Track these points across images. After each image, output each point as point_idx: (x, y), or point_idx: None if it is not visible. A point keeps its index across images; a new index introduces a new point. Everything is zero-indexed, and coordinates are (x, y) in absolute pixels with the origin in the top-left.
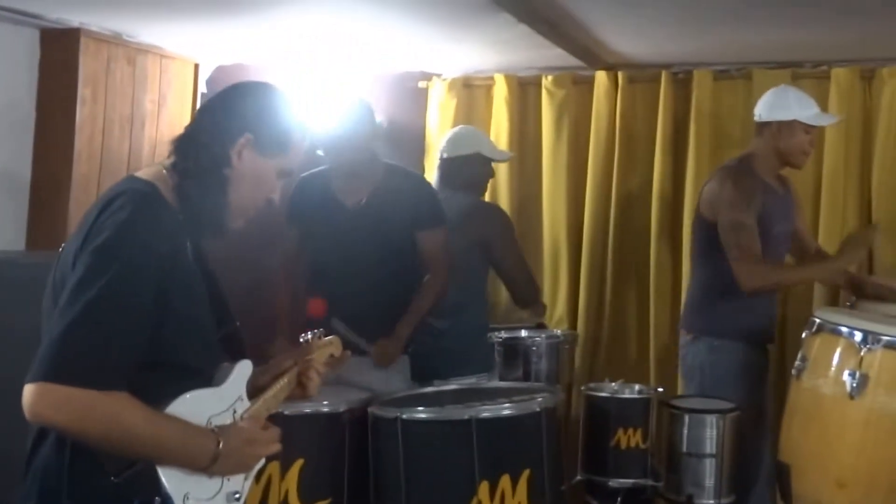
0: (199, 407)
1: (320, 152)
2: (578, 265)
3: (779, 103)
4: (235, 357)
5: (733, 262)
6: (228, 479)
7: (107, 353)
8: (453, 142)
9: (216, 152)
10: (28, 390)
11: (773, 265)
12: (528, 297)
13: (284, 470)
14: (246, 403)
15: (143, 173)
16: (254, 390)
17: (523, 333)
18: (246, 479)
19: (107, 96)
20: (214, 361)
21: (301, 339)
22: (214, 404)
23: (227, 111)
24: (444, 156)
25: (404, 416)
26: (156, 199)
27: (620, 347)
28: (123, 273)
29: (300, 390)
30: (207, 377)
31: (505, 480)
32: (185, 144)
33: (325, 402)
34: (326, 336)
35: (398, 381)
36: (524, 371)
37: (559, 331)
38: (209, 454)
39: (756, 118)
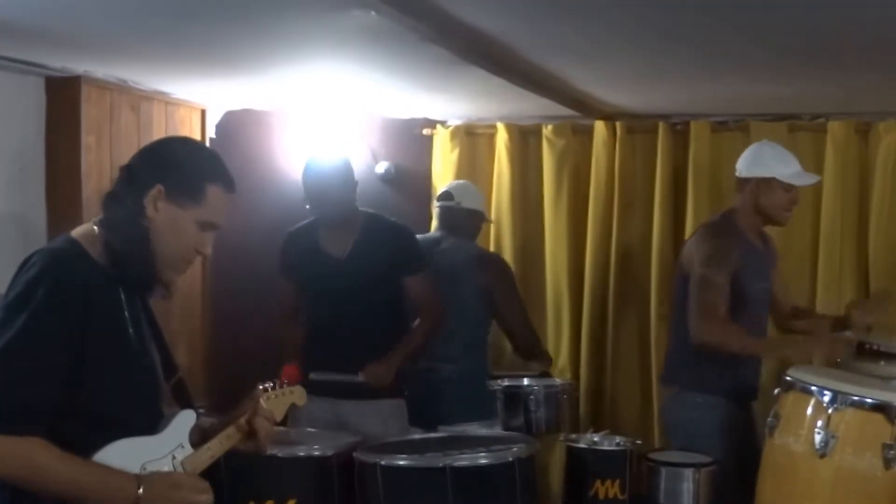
0: (131, 454)
1: (307, 206)
2: (580, 314)
3: (757, 160)
4: (183, 406)
5: (692, 316)
6: None
7: (18, 399)
8: (465, 194)
9: (130, 204)
10: None
11: (731, 328)
12: (528, 347)
13: None
14: (188, 450)
15: (76, 230)
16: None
17: (525, 382)
18: None
19: (111, 143)
20: (149, 412)
21: (260, 387)
22: (150, 451)
23: (142, 165)
24: (462, 205)
25: (383, 463)
26: (69, 255)
27: (623, 398)
28: (30, 326)
29: (252, 443)
30: (143, 427)
31: None
32: (106, 200)
33: (315, 447)
34: (290, 386)
35: (396, 426)
36: (525, 419)
37: (558, 380)
38: (129, 498)
39: (737, 174)
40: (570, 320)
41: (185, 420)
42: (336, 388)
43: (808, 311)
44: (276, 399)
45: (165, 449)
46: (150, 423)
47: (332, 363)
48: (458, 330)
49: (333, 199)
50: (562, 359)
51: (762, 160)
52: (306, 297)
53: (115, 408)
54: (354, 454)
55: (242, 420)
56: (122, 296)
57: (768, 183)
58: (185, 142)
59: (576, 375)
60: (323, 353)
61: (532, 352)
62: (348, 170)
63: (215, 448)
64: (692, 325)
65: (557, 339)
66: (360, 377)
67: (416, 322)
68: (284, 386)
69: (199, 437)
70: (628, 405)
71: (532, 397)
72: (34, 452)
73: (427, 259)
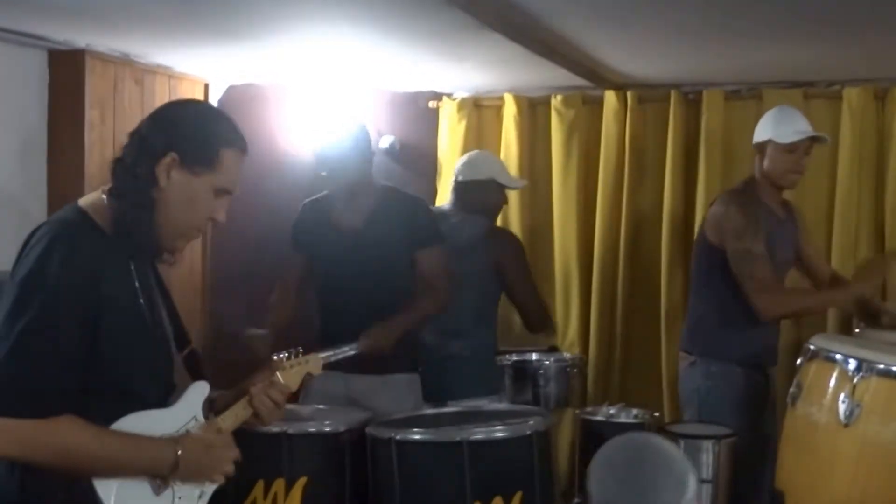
0: (144, 428)
1: (323, 173)
2: (589, 287)
3: (762, 124)
4: (195, 377)
5: (751, 294)
6: (180, 498)
7: (42, 381)
8: (469, 165)
9: (141, 173)
10: None
11: (792, 292)
12: (538, 321)
13: (289, 487)
14: (201, 423)
15: (83, 199)
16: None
17: (533, 357)
18: (199, 498)
19: (115, 118)
20: (162, 385)
21: (274, 357)
22: (164, 425)
23: (152, 131)
24: (460, 178)
25: (398, 438)
26: (77, 226)
27: (633, 371)
28: (47, 304)
29: (255, 419)
30: (156, 401)
31: (497, 502)
32: (115, 167)
33: (326, 423)
34: (305, 354)
35: (410, 402)
36: (533, 394)
37: (567, 354)
38: (169, 462)
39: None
40: (579, 293)
41: (198, 392)
42: (346, 363)
43: (846, 280)
44: (291, 370)
45: (179, 422)
46: (163, 396)
47: (344, 339)
48: (467, 305)
49: (349, 169)
50: (571, 332)
51: (764, 124)
52: (317, 270)
53: (128, 381)
54: (367, 430)
55: (255, 392)
56: (132, 266)
57: (767, 146)
58: (196, 105)
59: (585, 349)
60: (334, 329)
61: (542, 325)
62: (365, 140)
63: (230, 420)
64: (756, 305)
65: (566, 312)
66: (356, 347)
67: (420, 296)
68: (300, 355)
69: (208, 410)
70: (638, 378)
71: (541, 372)
72: (66, 432)
73: (441, 233)
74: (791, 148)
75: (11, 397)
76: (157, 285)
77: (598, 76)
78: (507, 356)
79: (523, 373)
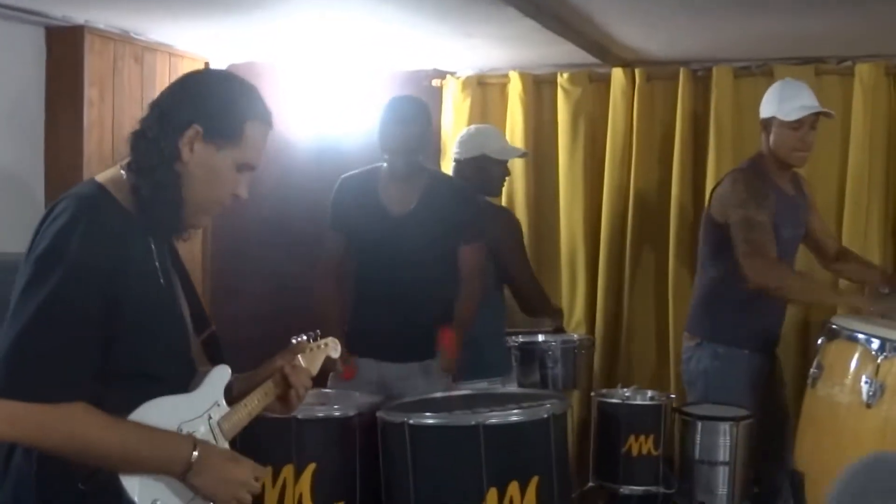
0: (166, 414)
1: (383, 153)
2: (596, 268)
3: (767, 100)
4: (214, 362)
5: (742, 257)
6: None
7: (56, 364)
8: (461, 143)
9: (164, 147)
10: None
11: (786, 268)
12: (533, 304)
13: (298, 473)
14: (223, 409)
15: (101, 175)
16: (240, 397)
17: (540, 338)
18: None
19: (115, 97)
20: (182, 369)
21: (293, 340)
22: (185, 411)
23: (174, 102)
24: (455, 158)
25: (411, 422)
26: (99, 202)
27: (639, 352)
28: (65, 281)
29: (281, 404)
30: (176, 385)
31: (513, 487)
32: (136, 141)
33: (336, 407)
34: (323, 338)
35: (443, 384)
36: (541, 375)
37: (575, 335)
38: (184, 460)
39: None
40: (585, 274)
41: (219, 377)
42: (379, 349)
43: (854, 255)
44: (311, 353)
45: (201, 408)
46: (183, 380)
47: (381, 329)
48: None
49: (412, 148)
50: (577, 313)
51: (769, 99)
52: (357, 253)
53: (147, 364)
54: (378, 413)
55: (278, 376)
56: (152, 244)
57: (771, 122)
58: (220, 75)
59: (591, 329)
60: (371, 318)
61: (538, 312)
62: (429, 118)
63: (253, 405)
64: (745, 267)
65: (572, 292)
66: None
67: (462, 295)
68: (318, 338)
69: (239, 394)
70: (644, 359)
71: (549, 353)
72: (75, 421)
73: (484, 229)
74: (796, 125)
75: (22, 381)
76: (174, 264)
77: (607, 52)
78: (513, 338)
79: (531, 354)
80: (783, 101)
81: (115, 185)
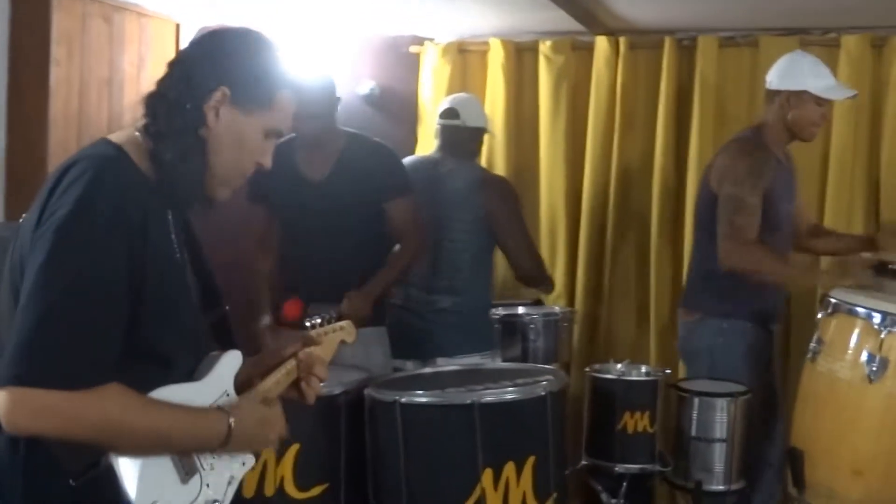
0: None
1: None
2: (577, 240)
3: (792, 71)
4: (224, 346)
5: (720, 238)
6: (208, 486)
7: (85, 347)
8: (472, 109)
9: (189, 110)
10: (1, 397)
11: (761, 252)
12: (532, 273)
13: (279, 456)
14: (233, 399)
15: (114, 136)
16: (243, 384)
17: (521, 311)
18: (229, 484)
19: (82, 57)
20: (191, 352)
21: (308, 324)
22: (194, 400)
23: (200, 62)
24: (464, 123)
25: (403, 401)
26: (121, 165)
27: (620, 326)
28: (95, 252)
29: (296, 394)
30: (187, 370)
31: (509, 467)
32: (155, 103)
33: (321, 385)
34: (337, 321)
35: (379, 354)
36: (522, 349)
37: (557, 308)
38: (222, 434)
39: (767, 85)
40: (566, 246)
41: (230, 363)
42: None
43: (828, 230)
44: (325, 337)
45: (210, 397)
46: (194, 366)
47: (306, 294)
48: (462, 259)
49: (312, 113)
50: (557, 285)
51: (795, 71)
52: (280, 222)
53: (165, 347)
54: (366, 391)
55: (293, 363)
56: (170, 215)
57: (800, 96)
58: (249, 34)
59: (570, 301)
60: (296, 284)
61: (536, 279)
62: (330, 85)
63: (271, 390)
64: (721, 248)
65: (552, 263)
66: (337, 310)
67: (396, 249)
68: (332, 321)
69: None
70: (625, 333)
71: (532, 326)
72: (111, 405)
73: (410, 182)
74: (821, 101)
75: (49, 367)
76: (187, 236)
77: (593, 20)
78: (495, 310)
79: (512, 327)
80: (818, 78)
81: (133, 147)
